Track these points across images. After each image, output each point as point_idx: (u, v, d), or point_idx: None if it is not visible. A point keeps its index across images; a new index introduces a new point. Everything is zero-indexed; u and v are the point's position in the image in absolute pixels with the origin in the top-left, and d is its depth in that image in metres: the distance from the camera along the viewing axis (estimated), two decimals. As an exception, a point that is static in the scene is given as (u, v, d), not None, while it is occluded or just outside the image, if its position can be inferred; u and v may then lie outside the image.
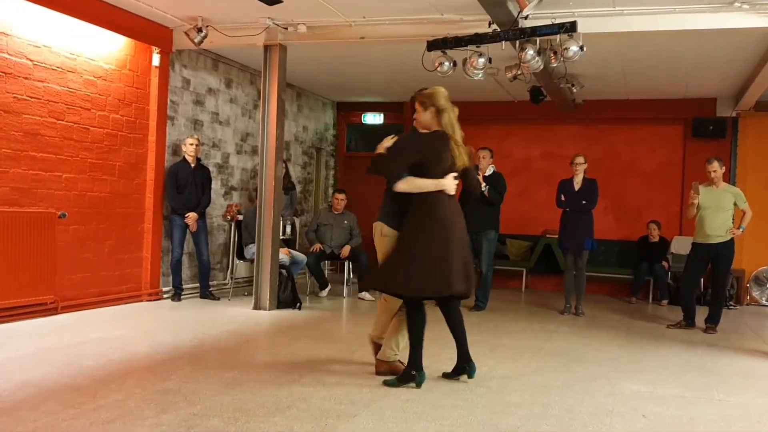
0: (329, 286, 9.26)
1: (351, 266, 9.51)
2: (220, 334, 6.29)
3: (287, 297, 7.97)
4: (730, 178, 9.96)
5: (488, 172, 8.43)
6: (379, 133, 12.81)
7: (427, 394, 4.44)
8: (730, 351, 6.54)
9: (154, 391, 4.27)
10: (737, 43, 7.60)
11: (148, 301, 7.96)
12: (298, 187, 10.62)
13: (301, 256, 8.73)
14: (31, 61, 6.51)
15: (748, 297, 10.33)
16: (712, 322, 7.54)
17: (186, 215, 8.07)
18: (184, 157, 8.18)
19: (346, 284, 9.33)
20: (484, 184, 8.22)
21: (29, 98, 6.51)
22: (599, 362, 5.73)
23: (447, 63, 7.19)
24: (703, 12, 6.49)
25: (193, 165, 8.20)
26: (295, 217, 10.06)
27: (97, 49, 7.26)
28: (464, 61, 7.22)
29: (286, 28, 7.65)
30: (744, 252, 9.39)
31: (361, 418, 3.88)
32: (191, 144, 8.16)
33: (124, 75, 7.64)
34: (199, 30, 7.59)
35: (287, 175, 9.56)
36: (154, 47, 7.96)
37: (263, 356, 5.66)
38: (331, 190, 12.10)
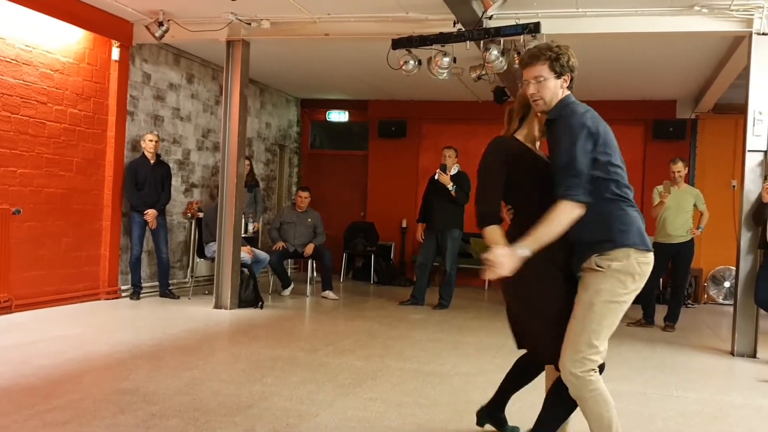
0: (292, 285, 9.20)
1: (314, 265, 9.45)
2: (179, 333, 6.19)
3: (249, 296, 7.89)
4: (689, 179, 10.12)
5: (453, 172, 8.45)
6: (343, 130, 12.83)
7: (390, 393, 4.42)
8: (688, 348, 6.65)
9: (112, 391, 4.18)
10: (697, 47, 7.73)
11: (106, 299, 7.80)
12: (261, 185, 10.52)
13: (263, 255, 8.65)
14: (-16, 52, 6.34)
15: (706, 296, 10.52)
16: (671, 320, 7.67)
17: (145, 212, 7.94)
18: (143, 153, 8.04)
19: (310, 283, 9.27)
20: (451, 184, 8.26)
21: (-17, 91, 6.34)
22: (561, 360, 5.77)
23: (412, 61, 7.20)
24: (663, 15, 6.59)
25: (152, 161, 8.06)
26: (264, 214, 9.99)
27: (54, 41, 7.09)
28: (429, 60, 7.23)
29: (250, 24, 7.57)
30: (702, 252, 9.56)
31: (323, 418, 3.84)
32: (150, 140, 8.03)
33: (83, 69, 7.48)
34: (160, 24, 7.46)
35: (251, 172, 9.47)
36: (113, 41, 7.80)
37: (224, 356, 5.59)
38: (294, 188, 12.02)
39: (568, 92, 3.08)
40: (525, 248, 2.83)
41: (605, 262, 2.90)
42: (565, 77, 3.05)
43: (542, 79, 3.03)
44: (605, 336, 2.92)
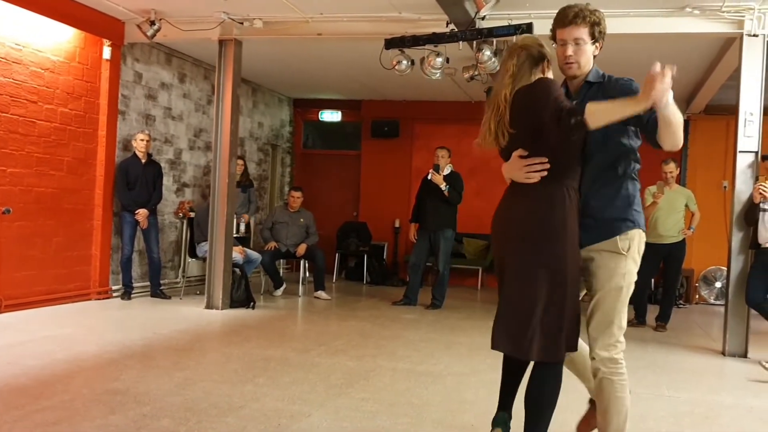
0: (284, 285, 9.17)
1: (307, 265, 9.44)
2: (171, 333, 6.16)
3: (240, 296, 7.86)
4: (681, 179, 10.15)
5: (446, 171, 8.46)
6: (336, 130, 12.80)
7: (383, 393, 4.41)
8: (679, 348, 6.66)
9: (102, 392, 4.15)
10: (688, 48, 7.75)
11: (97, 299, 7.76)
12: (254, 185, 10.49)
13: (255, 255, 8.62)
14: (-26, 51, 6.30)
15: (697, 296, 10.56)
16: (663, 320, 7.69)
17: (136, 212, 7.90)
18: (134, 152, 8.01)
19: (302, 283, 9.25)
20: (444, 184, 8.27)
21: (-27, 89, 6.30)
22: (553, 360, 5.78)
23: (405, 61, 7.20)
24: (655, 16, 6.61)
25: (143, 161, 8.03)
26: (255, 214, 9.96)
27: (44, 40, 7.04)
28: (422, 60, 7.24)
29: (242, 23, 7.55)
30: (693, 252, 9.59)
31: (315, 418, 3.83)
32: (141, 140, 7.99)
33: (73, 67, 7.44)
34: (152, 23, 7.43)
35: (245, 172, 9.45)
36: (104, 40, 7.77)
37: (215, 356, 5.57)
38: (287, 188, 11.99)
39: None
40: (670, 99, 2.53)
41: (626, 243, 2.85)
42: (599, 44, 2.92)
43: (582, 42, 2.87)
44: (626, 316, 2.96)
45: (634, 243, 2.88)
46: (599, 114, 2.63)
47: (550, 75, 2.97)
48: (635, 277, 2.92)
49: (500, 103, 2.90)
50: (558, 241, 2.79)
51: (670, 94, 2.51)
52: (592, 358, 2.95)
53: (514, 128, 2.86)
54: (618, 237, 2.85)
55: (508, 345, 2.89)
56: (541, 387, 2.89)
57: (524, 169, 2.85)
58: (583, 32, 2.86)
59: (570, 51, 2.89)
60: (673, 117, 2.59)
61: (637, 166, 2.91)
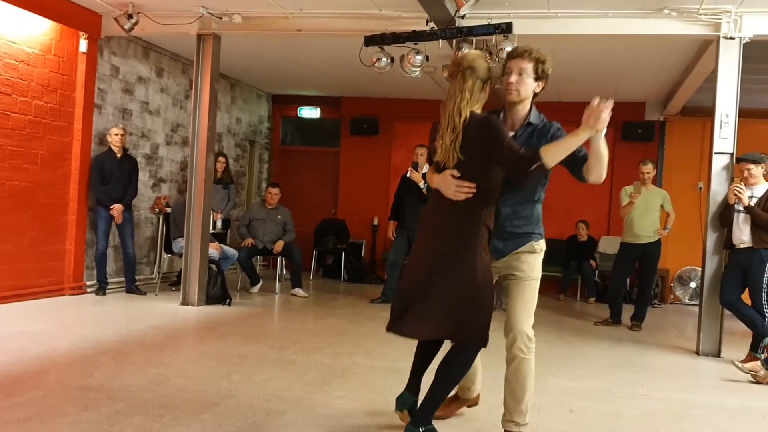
0: (261, 282, 9.12)
1: (284, 262, 9.39)
2: (145, 329, 6.10)
3: (217, 293, 7.81)
4: (657, 180, 10.25)
5: (425, 170, 8.44)
6: (315, 127, 12.76)
7: (359, 390, 4.40)
8: (654, 348, 6.73)
9: (75, 388, 4.10)
10: (666, 49, 7.82)
11: (70, 295, 7.66)
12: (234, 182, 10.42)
13: (231, 251, 8.57)
14: (-53, 41, 6.19)
15: (672, 296, 10.67)
16: (638, 319, 7.76)
17: (111, 207, 7.82)
18: (110, 147, 7.92)
19: (278, 280, 9.21)
20: (422, 182, 8.26)
21: (-55, 80, 6.19)
22: (529, 359, 5.80)
23: (384, 59, 7.18)
24: (633, 17, 6.66)
25: (119, 155, 7.94)
26: (233, 211, 9.90)
27: (19, 31, 6.94)
28: (401, 58, 7.22)
29: (221, 18, 7.48)
30: (668, 252, 9.67)
31: (290, 415, 3.81)
32: (116, 134, 7.91)
33: (49, 60, 7.34)
34: (130, 16, 7.35)
35: (227, 169, 9.39)
36: (81, 32, 7.66)
37: (190, 352, 5.52)
38: (264, 184, 11.93)
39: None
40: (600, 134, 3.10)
41: (539, 246, 3.47)
42: (541, 83, 3.39)
43: (525, 73, 3.33)
44: None
45: (542, 248, 3.50)
46: (554, 154, 3.12)
47: (487, 94, 3.35)
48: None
49: (457, 126, 3.24)
50: (471, 258, 3.24)
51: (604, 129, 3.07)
52: (512, 341, 3.38)
53: (464, 155, 3.22)
54: (533, 242, 3.46)
55: (443, 331, 3.34)
56: (463, 365, 3.38)
57: (454, 189, 3.25)
58: (527, 65, 3.34)
59: (513, 78, 3.35)
60: (604, 148, 3.14)
61: (543, 195, 3.51)
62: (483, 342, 3.30)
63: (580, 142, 3.11)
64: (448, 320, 3.26)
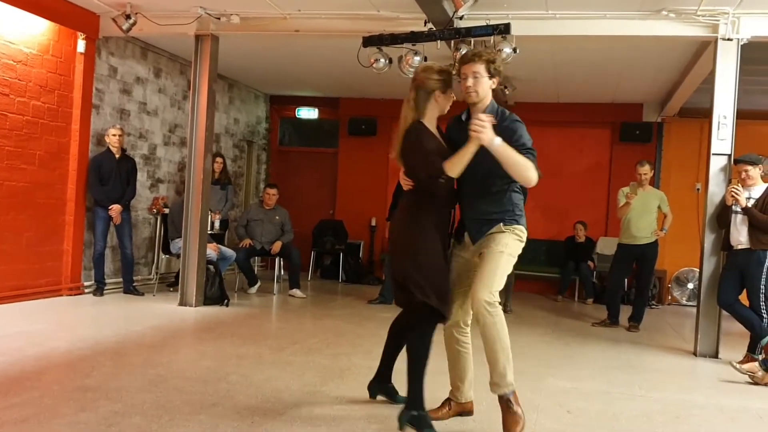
0: (258, 283, 9.11)
1: (282, 263, 9.39)
2: (143, 330, 6.10)
3: (214, 293, 7.80)
4: (654, 181, 10.26)
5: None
6: (313, 127, 12.75)
7: (357, 391, 4.40)
8: (652, 348, 6.73)
9: (73, 388, 4.10)
10: (664, 51, 7.83)
11: (68, 295, 7.66)
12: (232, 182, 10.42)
13: (229, 252, 8.56)
14: (-55, 41, 6.18)
15: (670, 297, 10.68)
16: (635, 320, 7.76)
17: (110, 207, 7.81)
18: (108, 147, 7.92)
19: (277, 281, 9.21)
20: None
21: (-58, 80, 6.18)
22: (526, 358, 5.80)
23: (383, 60, 7.17)
24: (632, 19, 6.66)
25: (117, 156, 7.94)
26: (230, 212, 9.89)
27: (16, 31, 6.93)
28: (400, 59, 7.21)
29: (219, 18, 7.47)
30: (666, 253, 9.69)
31: (288, 416, 3.81)
32: (114, 134, 7.90)
33: (47, 60, 7.33)
34: (128, 17, 7.34)
35: (224, 170, 9.38)
36: (79, 33, 7.66)
37: (188, 353, 5.52)
38: (262, 185, 11.93)
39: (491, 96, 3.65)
40: (498, 139, 3.39)
41: (509, 226, 3.61)
42: (495, 80, 3.63)
43: (479, 75, 3.57)
44: (502, 283, 3.56)
45: (517, 231, 3.62)
46: (453, 165, 3.50)
47: (447, 100, 3.72)
48: (515, 256, 3.62)
49: (400, 134, 3.68)
50: (407, 235, 3.67)
51: (496, 138, 3.36)
52: (474, 311, 3.55)
53: (401, 158, 3.70)
54: (502, 224, 3.61)
55: (396, 298, 3.84)
56: (412, 333, 3.70)
57: (403, 183, 3.77)
58: (479, 67, 3.58)
59: (470, 82, 3.60)
60: (505, 156, 3.39)
61: (520, 186, 3.63)
62: (421, 309, 3.58)
63: (472, 151, 3.42)
64: (398, 288, 3.74)
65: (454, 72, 3.77)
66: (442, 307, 3.57)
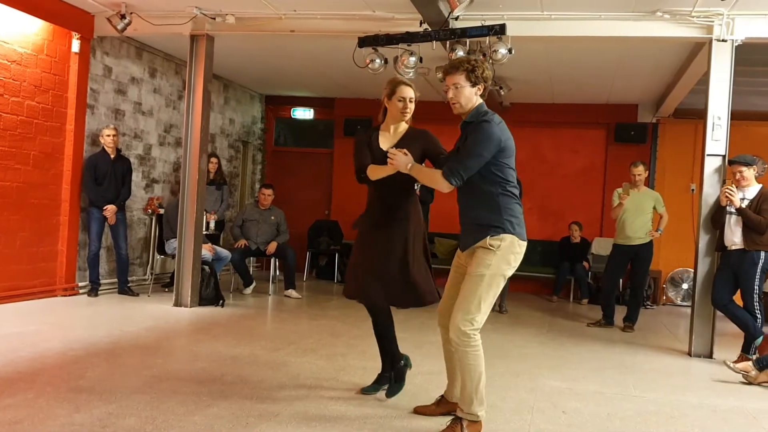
0: (254, 283, 9.11)
1: (277, 263, 9.38)
2: (138, 330, 6.09)
3: (210, 294, 7.80)
4: (649, 182, 10.29)
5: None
6: (309, 128, 12.74)
7: (352, 392, 4.40)
8: (646, 349, 6.74)
9: (67, 389, 4.09)
10: (658, 52, 7.85)
11: (63, 296, 7.64)
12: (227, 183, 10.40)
13: (225, 252, 8.55)
14: (-62, 41, 6.16)
15: (664, 297, 10.70)
16: (630, 320, 7.78)
17: (104, 208, 7.80)
18: (103, 147, 7.90)
19: (272, 282, 9.20)
20: (416, 183, 8.24)
21: (-64, 80, 6.15)
22: (521, 359, 5.82)
23: (378, 60, 7.18)
24: (626, 20, 6.67)
25: (112, 156, 7.92)
26: (226, 212, 9.88)
27: (10, 31, 6.91)
28: (395, 59, 7.21)
29: (214, 18, 7.47)
30: (661, 254, 9.71)
31: (283, 417, 3.81)
32: (108, 135, 7.89)
33: (41, 60, 7.31)
34: (123, 17, 7.34)
35: (219, 170, 9.37)
36: (74, 32, 7.64)
37: (183, 354, 5.51)
38: (257, 185, 11.91)
39: (481, 100, 3.63)
40: (413, 163, 3.73)
41: (497, 242, 3.49)
42: (479, 87, 3.60)
43: (459, 86, 3.58)
44: (489, 304, 3.53)
45: (505, 244, 3.51)
46: (374, 172, 3.96)
47: (393, 104, 4.36)
48: (504, 274, 3.53)
49: None
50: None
51: (409, 164, 3.70)
52: (450, 333, 3.55)
53: None
54: (489, 237, 3.51)
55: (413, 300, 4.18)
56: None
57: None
58: (459, 78, 3.59)
59: (451, 94, 3.63)
60: (419, 176, 3.75)
61: (507, 186, 3.57)
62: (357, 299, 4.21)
63: (387, 173, 3.85)
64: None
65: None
66: (357, 298, 4.19)
